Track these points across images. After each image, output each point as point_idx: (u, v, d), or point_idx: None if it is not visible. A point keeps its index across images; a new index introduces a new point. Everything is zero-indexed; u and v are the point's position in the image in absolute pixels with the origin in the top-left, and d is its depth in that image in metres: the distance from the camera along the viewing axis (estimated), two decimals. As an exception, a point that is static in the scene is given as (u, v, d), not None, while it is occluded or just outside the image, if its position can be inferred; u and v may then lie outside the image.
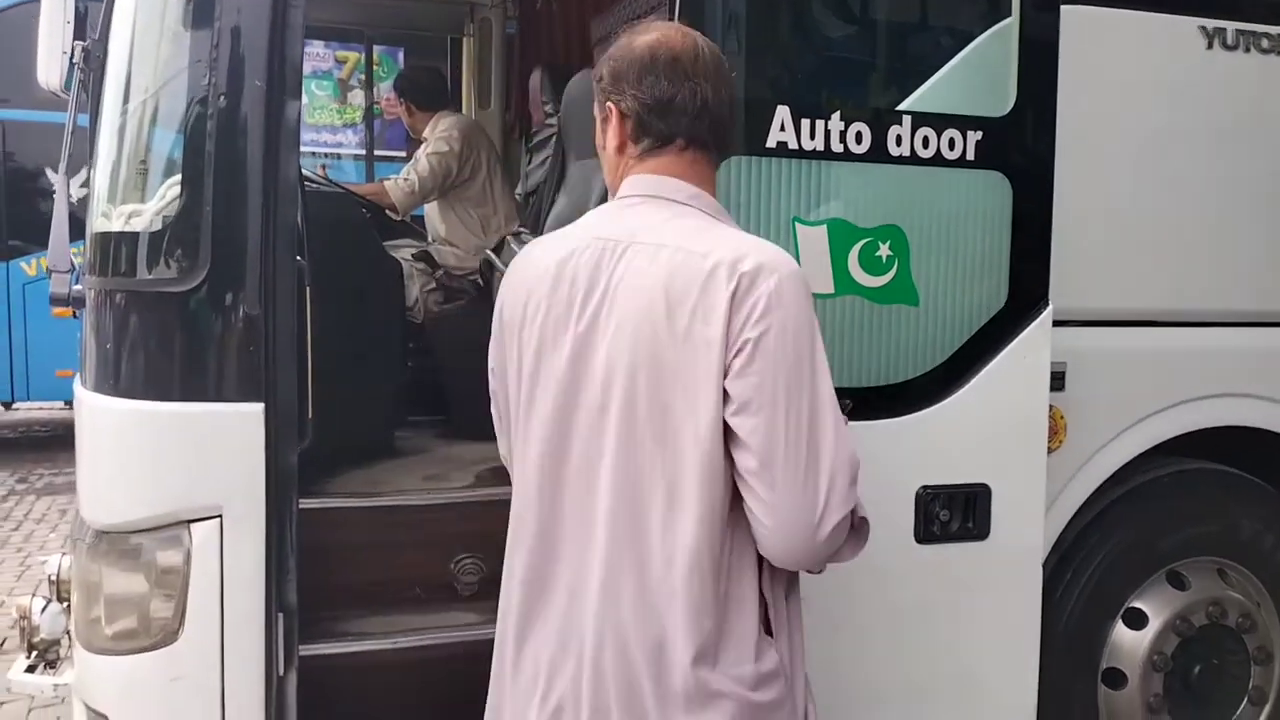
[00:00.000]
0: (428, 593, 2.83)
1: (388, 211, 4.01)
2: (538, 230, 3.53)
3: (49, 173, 8.69)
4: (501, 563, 2.80)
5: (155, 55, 2.31)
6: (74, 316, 2.60)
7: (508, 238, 3.25)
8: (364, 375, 3.08)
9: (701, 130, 1.56)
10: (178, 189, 2.13)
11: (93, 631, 2.22)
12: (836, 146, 2.16)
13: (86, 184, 2.68)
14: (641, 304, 1.45)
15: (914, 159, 2.22)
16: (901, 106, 2.24)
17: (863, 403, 2.22)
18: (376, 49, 6.31)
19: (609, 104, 1.59)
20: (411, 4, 4.49)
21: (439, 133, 4.01)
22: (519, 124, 4.71)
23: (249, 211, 2.08)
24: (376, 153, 6.26)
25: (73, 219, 2.67)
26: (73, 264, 2.50)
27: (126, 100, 2.31)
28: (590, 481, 1.50)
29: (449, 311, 3.74)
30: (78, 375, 2.44)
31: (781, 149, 2.13)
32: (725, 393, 1.41)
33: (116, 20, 2.39)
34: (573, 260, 1.53)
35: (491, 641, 2.68)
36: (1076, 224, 2.42)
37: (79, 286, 2.43)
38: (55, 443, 9.24)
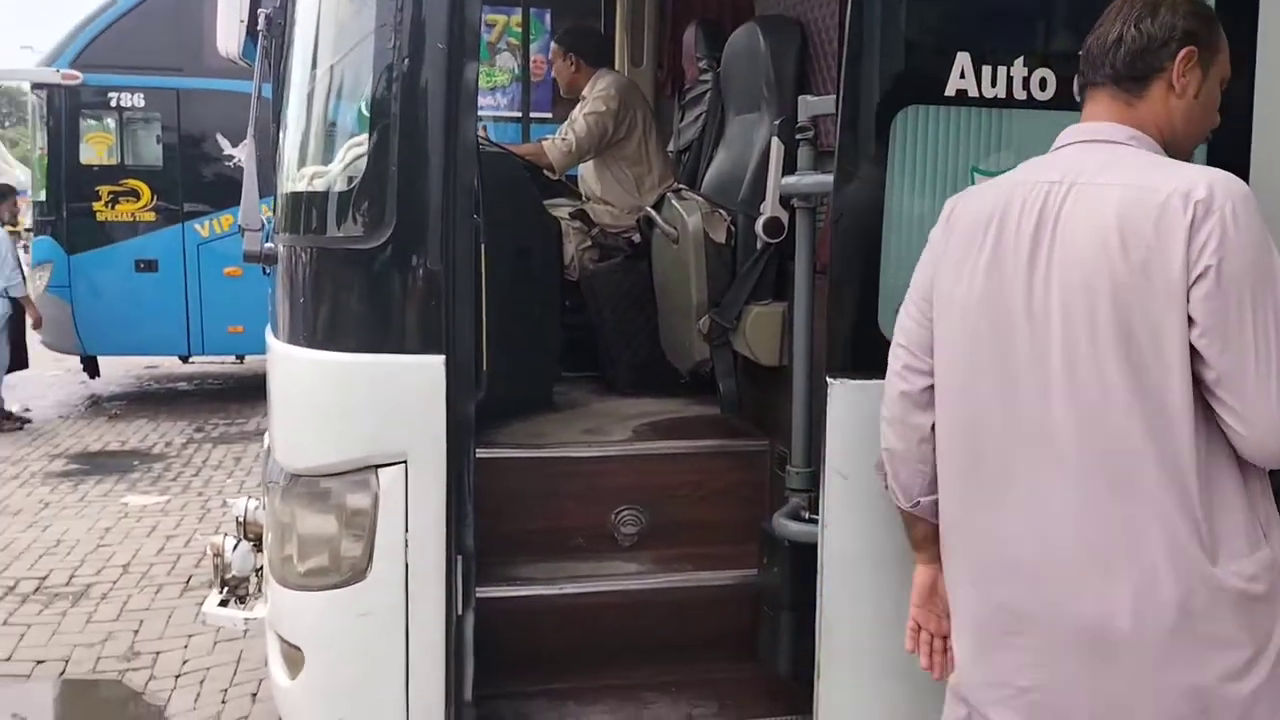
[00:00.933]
0: (589, 542, 2.91)
1: (545, 171, 4.07)
2: (695, 186, 3.54)
3: (219, 138, 9.16)
4: (660, 516, 2.89)
5: (339, 21, 2.41)
6: (265, 274, 2.75)
7: (668, 195, 3.26)
8: (526, 330, 3.16)
9: (1132, 70, 1.66)
10: (363, 150, 2.21)
11: (286, 568, 2.36)
12: (1019, 94, 2.09)
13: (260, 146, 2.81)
14: (1095, 241, 1.54)
15: (1101, 106, 2.12)
16: (1087, 50, 2.14)
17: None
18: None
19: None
20: (567, -36, 4.53)
21: (597, 92, 4.04)
22: (671, 81, 4.70)
23: (431, 171, 2.16)
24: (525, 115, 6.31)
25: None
26: (263, 222, 2.64)
27: (314, 65, 2.41)
28: (1041, 401, 1.60)
29: (603, 269, 3.78)
30: (269, 327, 2.58)
31: (961, 97, 2.07)
32: (1190, 318, 1.50)
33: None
34: (1018, 201, 1.64)
35: (651, 590, 2.79)
36: (1277, 172, 2.28)
37: (270, 244, 2.56)
38: (228, 394, 9.83)
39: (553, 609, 2.75)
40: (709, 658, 2.81)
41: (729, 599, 2.81)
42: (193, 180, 9.18)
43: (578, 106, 4.17)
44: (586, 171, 4.25)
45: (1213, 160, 2.10)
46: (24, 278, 8.66)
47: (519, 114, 6.95)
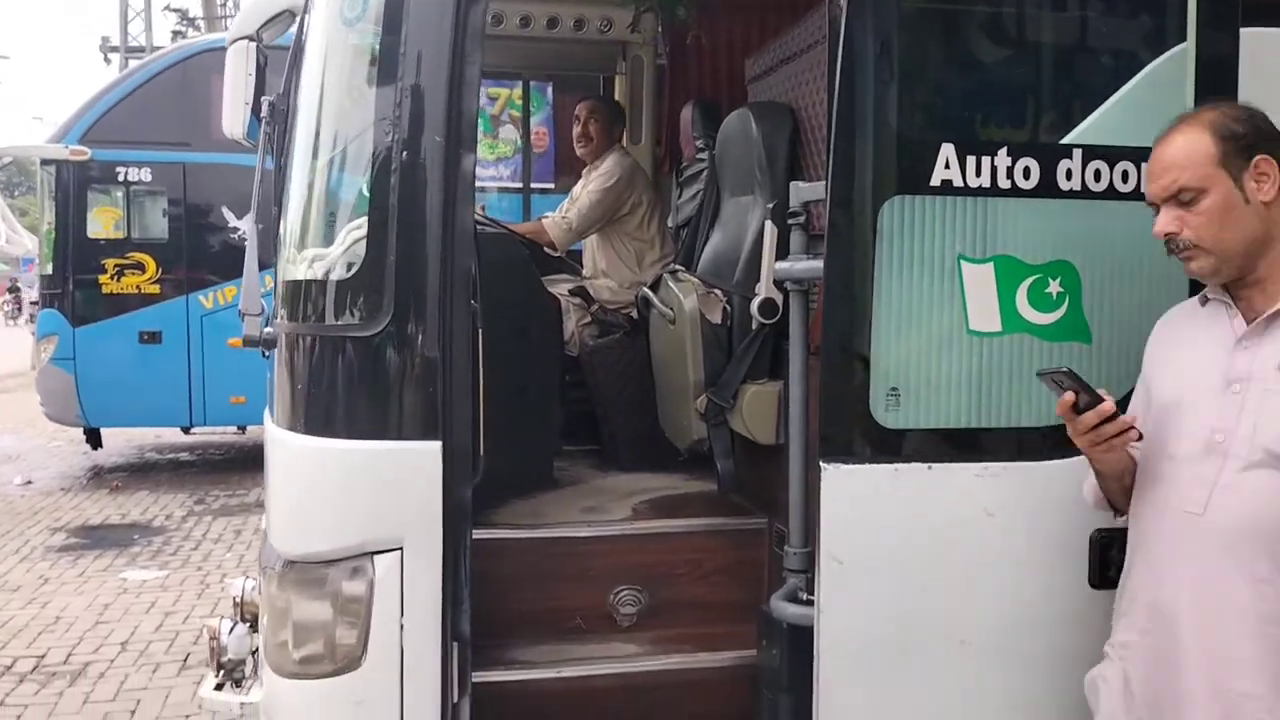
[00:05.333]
0: (588, 623, 2.89)
1: (545, 249, 4.12)
2: (691, 265, 3.58)
3: (224, 211, 9.26)
4: (659, 596, 2.88)
5: (340, 113, 2.46)
6: (264, 357, 2.77)
7: (664, 275, 3.30)
8: (525, 409, 3.17)
9: None
10: (363, 239, 2.25)
11: (281, 656, 2.35)
12: (1003, 183, 2.13)
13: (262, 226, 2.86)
14: None
15: (1085, 193, 2.17)
16: (1071, 140, 2.18)
17: (1034, 443, 2.18)
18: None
19: (1263, 158, 1.80)
20: (568, 46, 4.61)
21: (601, 170, 4.10)
22: (669, 158, 4.78)
23: (429, 260, 2.19)
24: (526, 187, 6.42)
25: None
26: (263, 307, 2.67)
27: (315, 155, 2.47)
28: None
29: (602, 345, 3.81)
30: (268, 412, 2.60)
31: (946, 187, 2.11)
32: None
33: (304, 80, 2.55)
34: None
35: (651, 673, 2.77)
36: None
37: (269, 329, 2.59)
38: (229, 465, 9.82)
39: (552, 693, 2.72)
40: (710, 741, 2.77)
41: (728, 680, 2.78)
42: (197, 253, 9.29)
43: (579, 183, 4.23)
44: (590, 245, 4.30)
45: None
46: None
47: (521, 185, 7.05)
